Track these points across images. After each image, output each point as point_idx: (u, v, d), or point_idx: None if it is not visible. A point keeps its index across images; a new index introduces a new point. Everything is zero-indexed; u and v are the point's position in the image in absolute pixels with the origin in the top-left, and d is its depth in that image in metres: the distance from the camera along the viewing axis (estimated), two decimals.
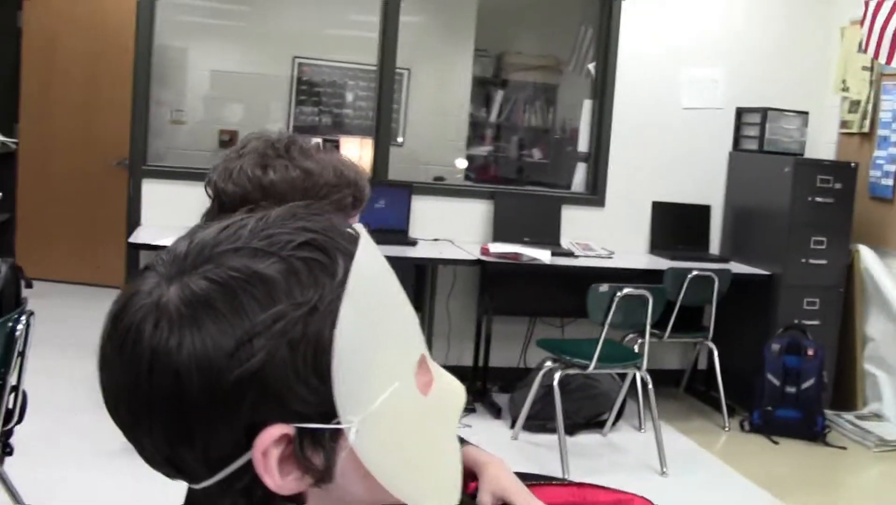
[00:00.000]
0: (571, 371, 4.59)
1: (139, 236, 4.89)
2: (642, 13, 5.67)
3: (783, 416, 5.15)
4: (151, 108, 7.23)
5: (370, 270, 0.82)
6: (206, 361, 0.74)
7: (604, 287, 4.45)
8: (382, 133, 5.56)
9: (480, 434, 4.92)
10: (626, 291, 4.43)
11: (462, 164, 7.71)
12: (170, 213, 5.24)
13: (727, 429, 5.27)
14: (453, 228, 5.51)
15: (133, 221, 5.28)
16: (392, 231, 5.35)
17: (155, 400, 0.76)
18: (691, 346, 5.81)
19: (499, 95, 7.84)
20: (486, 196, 5.60)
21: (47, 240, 7.17)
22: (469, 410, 5.22)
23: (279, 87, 7.40)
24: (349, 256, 0.80)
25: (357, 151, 6.35)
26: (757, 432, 5.20)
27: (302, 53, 7.33)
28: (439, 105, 7.62)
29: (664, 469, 4.54)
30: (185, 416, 0.76)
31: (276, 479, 0.78)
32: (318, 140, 1.74)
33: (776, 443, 5.09)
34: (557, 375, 4.54)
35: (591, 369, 4.48)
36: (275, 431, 0.76)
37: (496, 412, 5.22)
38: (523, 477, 2.43)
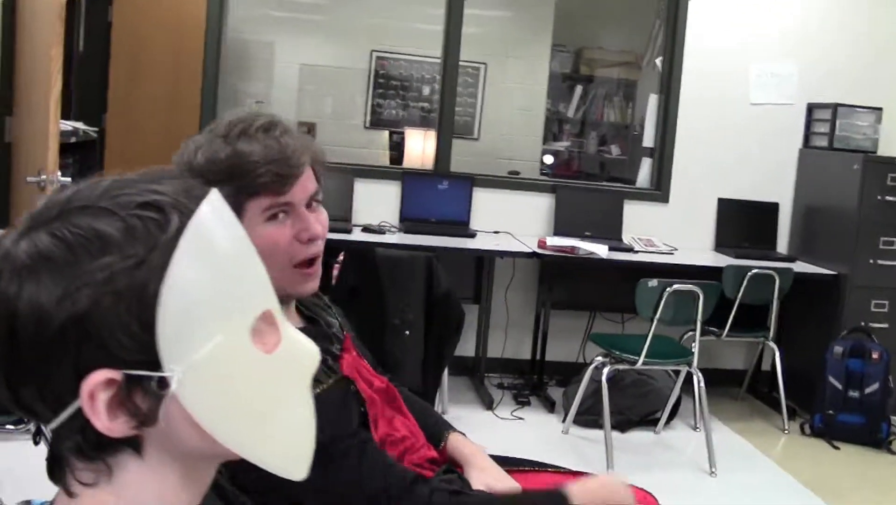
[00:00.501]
0: (621, 366, 4.55)
1: None
2: (711, 6, 5.58)
3: (845, 420, 5.01)
4: (232, 101, 7.43)
5: (209, 230, 0.87)
6: (39, 307, 0.81)
7: (653, 282, 4.40)
8: (445, 125, 5.59)
9: (532, 427, 4.93)
10: (675, 286, 4.37)
11: (548, 159, 7.71)
12: None
13: (786, 432, 5.15)
14: (514, 222, 5.51)
15: None
16: (453, 223, 5.38)
17: None
18: (755, 345, 5.69)
19: (578, 91, 7.79)
20: (548, 190, 5.59)
21: None
22: (523, 402, 5.23)
23: (358, 80, 7.50)
24: (189, 216, 0.86)
25: (421, 143, 6.40)
26: (818, 437, 5.07)
27: (380, 47, 7.42)
28: (516, 100, 7.61)
29: (713, 469, 4.46)
30: (20, 358, 0.83)
31: (104, 420, 0.84)
32: (285, 123, 1.75)
33: (837, 448, 4.96)
34: (606, 370, 4.51)
35: (639, 365, 4.44)
36: (101, 375, 0.82)
37: (550, 406, 5.21)
38: (519, 463, 2.45)
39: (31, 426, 3.21)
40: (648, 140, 5.77)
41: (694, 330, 4.77)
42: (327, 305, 2.06)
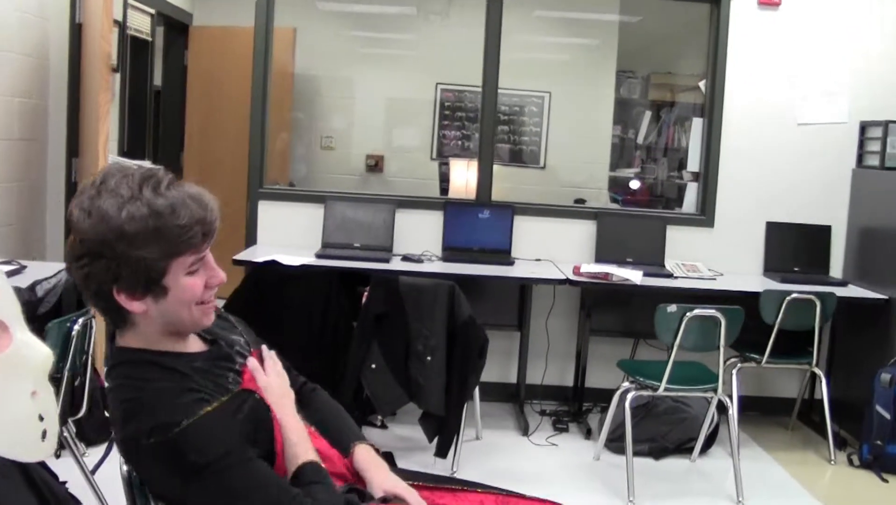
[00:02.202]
0: (644, 392, 4.49)
1: (244, 254, 5.20)
2: (754, 24, 5.48)
3: (895, 452, 4.81)
4: (301, 135, 7.66)
5: None
6: None
7: (672, 307, 4.33)
8: (485, 154, 5.64)
9: (564, 453, 4.91)
10: (695, 311, 4.30)
11: (635, 184, 7.66)
12: (282, 233, 5.54)
13: (833, 462, 4.96)
14: (557, 249, 5.51)
15: (250, 240, 5.61)
16: (494, 251, 5.42)
17: None
18: (805, 372, 5.51)
19: (647, 116, 7.72)
20: (590, 217, 5.57)
21: None
22: (561, 429, 5.20)
23: (423, 112, 7.63)
24: None
25: (464, 172, 6.46)
26: (866, 468, 4.86)
27: (444, 79, 7.53)
28: (582, 128, 7.60)
29: (740, 498, 4.35)
30: None
31: None
32: (168, 174, 1.89)
33: (885, 481, 4.75)
34: (630, 396, 4.45)
35: (660, 391, 4.37)
36: None
37: (587, 433, 5.17)
38: (442, 481, 2.47)
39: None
40: (693, 164, 5.68)
41: (737, 355, 4.68)
42: (233, 326, 2.19)
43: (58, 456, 4.09)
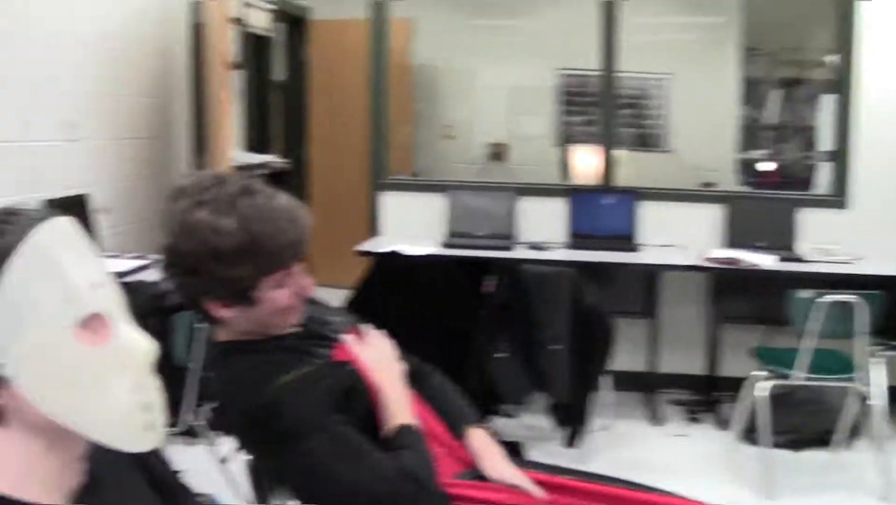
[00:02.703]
0: (778, 382, 4.33)
1: (367, 245, 5.23)
2: None
3: None
4: (421, 125, 7.68)
5: (43, 246, 1.10)
6: None
7: (805, 293, 4.16)
8: (606, 139, 5.54)
9: (696, 444, 4.79)
10: (830, 297, 4.12)
11: (765, 166, 7.44)
12: (405, 223, 5.56)
13: None
14: (683, 234, 5.36)
15: (373, 231, 5.64)
16: (616, 237, 5.31)
17: None
18: None
19: (774, 95, 7.47)
20: (718, 200, 5.41)
21: (333, 249, 7.76)
22: (694, 419, 5.08)
23: (544, 99, 7.55)
24: (22, 236, 1.09)
25: (587, 158, 6.36)
26: None
27: (565, 65, 7.43)
28: (707, 109, 7.40)
29: (887, 495, 4.15)
30: None
31: None
32: (264, 187, 1.91)
33: None
34: (765, 386, 4.31)
35: (793, 381, 4.21)
36: None
37: (721, 423, 5.03)
38: (569, 473, 2.40)
39: (182, 428, 3.48)
40: (825, 143, 5.46)
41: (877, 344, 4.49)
42: (328, 308, 2.23)
43: (189, 445, 4.19)
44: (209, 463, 3.83)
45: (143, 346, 1.18)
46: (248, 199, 1.84)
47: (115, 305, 1.17)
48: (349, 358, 2.02)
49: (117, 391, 1.14)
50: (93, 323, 1.13)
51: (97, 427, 1.14)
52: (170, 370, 3.51)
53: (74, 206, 4.54)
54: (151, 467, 1.38)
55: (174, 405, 3.61)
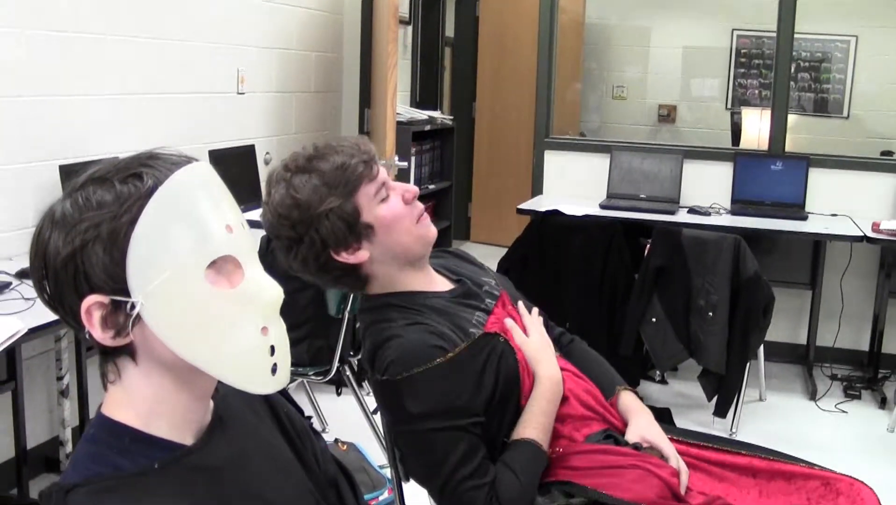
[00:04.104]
0: None
1: (529, 203, 5.28)
2: None
3: None
4: (592, 85, 7.64)
5: (180, 189, 1.16)
6: (55, 247, 1.15)
7: None
8: (779, 104, 5.37)
9: (854, 421, 4.67)
10: None
11: None
12: (568, 182, 5.58)
13: None
14: (856, 203, 5.17)
15: (536, 190, 5.68)
16: (786, 205, 5.18)
17: (37, 269, 1.18)
18: None
19: None
20: (891, 170, 5.19)
21: (494, 208, 7.85)
22: (853, 395, 4.93)
23: (719, 60, 7.37)
24: (162, 179, 1.16)
25: (757, 122, 6.18)
26: None
27: (741, 25, 7.22)
28: (893, 74, 7.06)
29: None
30: (49, 281, 1.17)
31: (98, 332, 1.16)
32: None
33: None
34: None
35: None
36: (92, 298, 1.15)
37: (881, 402, 4.86)
38: (709, 439, 2.39)
39: (331, 377, 3.60)
40: None
41: None
42: (482, 268, 2.25)
43: (339, 393, 4.38)
44: (357, 413, 3.97)
45: (271, 290, 1.22)
46: (303, 155, 1.94)
47: (247, 249, 1.21)
48: (502, 330, 2.02)
49: (244, 333, 1.19)
50: (224, 266, 1.18)
51: (223, 367, 1.18)
52: (323, 320, 3.67)
53: (241, 157, 4.76)
54: (280, 411, 1.44)
55: (327, 355, 3.76)
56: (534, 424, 1.95)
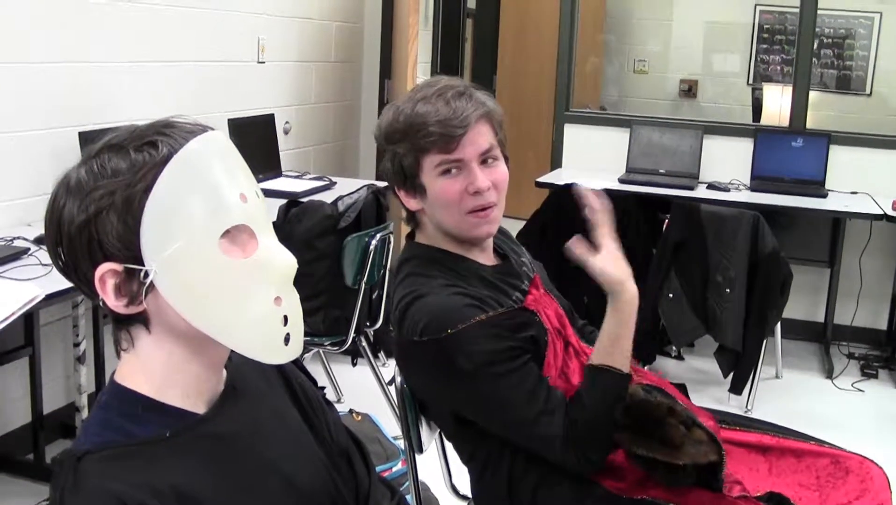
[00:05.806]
0: None
1: (548, 177, 5.26)
2: None
3: None
4: (612, 59, 7.59)
5: (195, 158, 1.16)
6: (69, 215, 1.15)
7: None
8: (800, 80, 5.32)
9: (870, 401, 4.66)
10: None
11: None
12: (587, 156, 5.56)
13: None
14: (876, 181, 5.13)
15: (555, 163, 5.66)
16: (806, 182, 5.14)
17: (51, 236, 1.18)
18: None
19: None
20: None
21: (513, 180, 7.80)
22: (870, 374, 4.91)
23: (741, 36, 7.30)
24: (177, 148, 1.15)
25: (779, 99, 6.14)
26: None
27: (764, 0, 7.15)
28: None
29: None
30: (64, 248, 1.17)
31: (111, 300, 1.17)
32: (463, 87, 1.93)
33: None
34: None
35: None
36: (106, 266, 1.15)
37: None
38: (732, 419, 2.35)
39: (347, 347, 3.60)
40: None
41: None
42: (521, 248, 2.23)
43: (354, 364, 4.39)
44: (372, 384, 3.99)
45: (284, 261, 1.22)
46: (436, 89, 1.91)
47: (261, 219, 1.21)
48: (537, 309, 2.00)
49: (257, 303, 1.19)
50: (239, 235, 1.18)
51: (236, 337, 1.19)
52: (339, 290, 3.68)
53: (260, 126, 4.75)
54: (293, 382, 1.43)
55: (343, 325, 3.76)
56: (617, 350, 1.93)
